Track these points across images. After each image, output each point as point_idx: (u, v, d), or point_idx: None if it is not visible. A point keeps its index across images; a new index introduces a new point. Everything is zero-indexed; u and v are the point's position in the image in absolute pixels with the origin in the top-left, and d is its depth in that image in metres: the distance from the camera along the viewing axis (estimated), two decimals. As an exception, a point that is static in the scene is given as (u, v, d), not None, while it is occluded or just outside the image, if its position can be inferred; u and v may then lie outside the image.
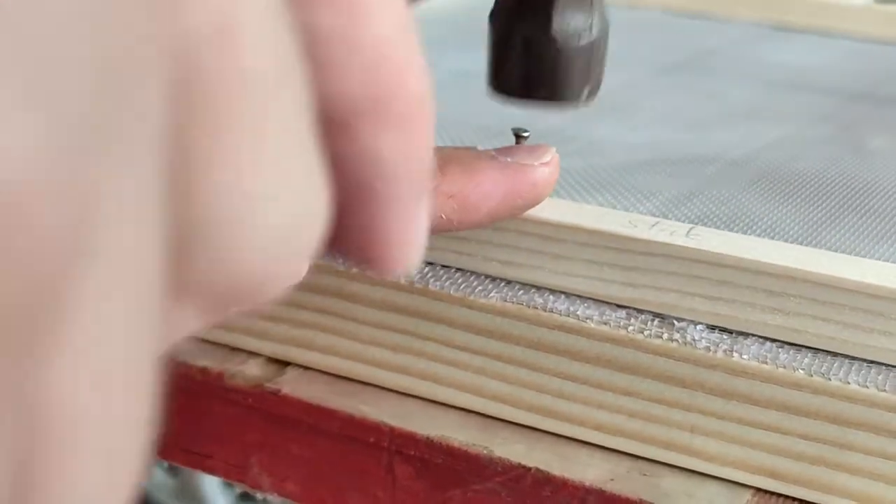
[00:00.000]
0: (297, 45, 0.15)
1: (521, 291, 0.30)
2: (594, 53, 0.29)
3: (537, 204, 0.29)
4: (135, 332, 0.12)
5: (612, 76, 0.53)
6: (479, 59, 0.56)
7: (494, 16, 0.29)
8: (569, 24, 0.28)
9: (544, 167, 0.30)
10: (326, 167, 0.16)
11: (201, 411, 0.33)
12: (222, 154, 0.13)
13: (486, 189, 0.29)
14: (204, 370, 0.33)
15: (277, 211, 0.14)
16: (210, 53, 0.13)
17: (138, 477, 0.14)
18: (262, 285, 0.15)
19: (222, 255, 0.14)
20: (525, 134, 0.31)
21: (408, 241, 0.18)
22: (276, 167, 0.14)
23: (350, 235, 0.18)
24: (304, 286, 0.32)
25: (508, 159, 0.29)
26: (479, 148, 0.40)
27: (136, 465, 0.14)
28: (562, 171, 0.38)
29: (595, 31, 0.28)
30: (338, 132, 0.17)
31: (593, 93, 0.29)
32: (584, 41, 0.28)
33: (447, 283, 0.31)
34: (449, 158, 0.29)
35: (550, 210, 0.30)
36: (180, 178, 0.13)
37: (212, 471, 0.33)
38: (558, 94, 0.29)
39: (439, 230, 0.28)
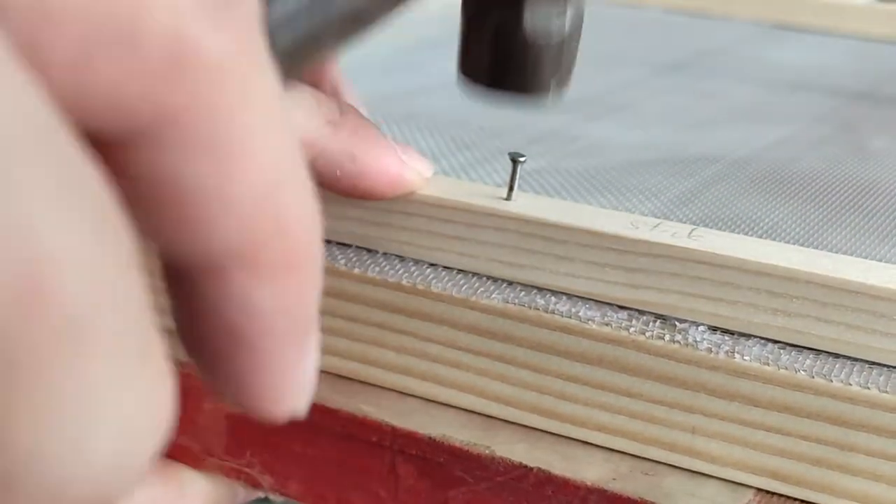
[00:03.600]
0: (126, 243, 0.13)
1: (523, 293, 0.30)
2: (566, 48, 0.28)
3: (391, 197, 0.31)
4: None
5: (613, 76, 0.53)
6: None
7: (466, 1, 0.28)
8: (541, 17, 0.27)
9: (416, 173, 0.31)
10: (190, 314, 0.15)
11: (202, 411, 0.33)
12: (31, 411, 0.12)
13: (386, 166, 0.30)
14: (206, 370, 0.33)
15: (105, 441, 0.13)
16: (13, 318, 0.11)
17: None
18: (100, 497, 0.13)
19: (47, 490, 0.12)
20: (521, 159, 0.31)
21: (287, 389, 0.16)
22: (99, 401, 0.13)
23: (228, 381, 0.16)
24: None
25: (403, 156, 0.31)
26: (477, 150, 0.40)
27: None
28: (563, 172, 0.38)
29: (568, 25, 0.28)
30: (212, 280, 0.15)
31: (561, 87, 0.28)
32: (555, 37, 0.28)
33: (449, 284, 0.31)
34: (362, 123, 0.30)
35: (552, 211, 0.30)
36: None
37: (213, 471, 0.33)
38: (526, 86, 0.28)
39: (325, 185, 0.30)
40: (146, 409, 0.13)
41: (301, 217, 0.15)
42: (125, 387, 0.13)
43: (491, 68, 0.28)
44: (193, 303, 0.15)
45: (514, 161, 0.31)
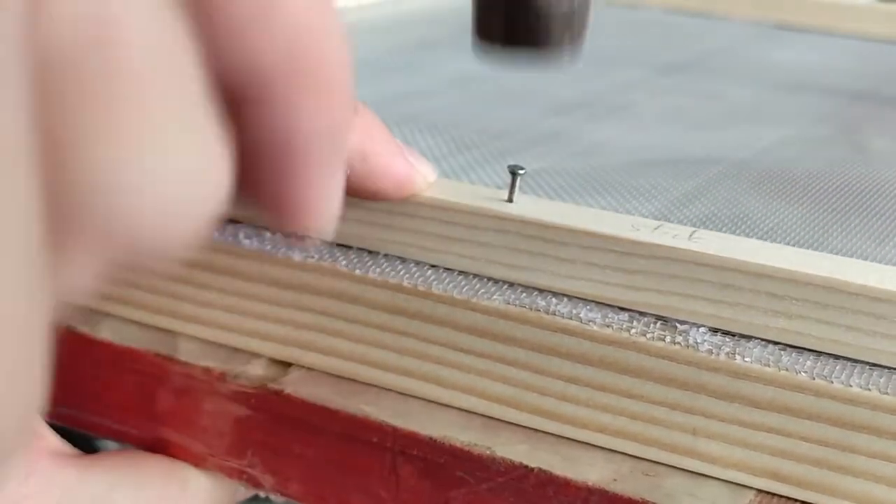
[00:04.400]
0: (183, 25, 0.16)
1: (524, 294, 0.30)
2: (578, 11, 0.28)
3: (396, 199, 0.31)
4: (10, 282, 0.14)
5: (613, 77, 0.53)
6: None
7: None
8: None
9: (422, 176, 0.31)
10: (233, 133, 0.18)
11: (204, 412, 0.33)
12: (105, 133, 0.15)
13: (394, 168, 0.31)
14: (207, 370, 0.33)
15: (169, 180, 0.16)
16: (84, 43, 0.15)
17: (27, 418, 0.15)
18: (159, 241, 0.16)
19: (115, 215, 0.15)
20: (521, 171, 0.31)
21: (322, 204, 0.19)
22: (165, 142, 0.15)
23: (266, 194, 0.19)
24: (307, 288, 0.32)
25: (410, 158, 0.31)
26: (478, 151, 0.40)
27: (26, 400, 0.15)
28: (564, 173, 0.38)
29: None
30: (256, 101, 0.18)
31: (576, 48, 0.29)
32: (565, 6, 0.28)
33: (450, 285, 0.31)
34: (374, 123, 0.31)
35: (553, 213, 0.30)
36: (59, 151, 0.15)
37: (213, 470, 0.33)
38: (541, 43, 0.29)
39: None
40: (204, 158, 0.16)
41: (335, 42, 0.18)
42: (183, 132, 0.16)
43: (506, 30, 0.29)
44: (245, 132, 0.18)
45: (514, 174, 0.31)
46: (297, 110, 0.18)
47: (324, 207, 0.19)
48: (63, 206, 0.15)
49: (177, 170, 0.16)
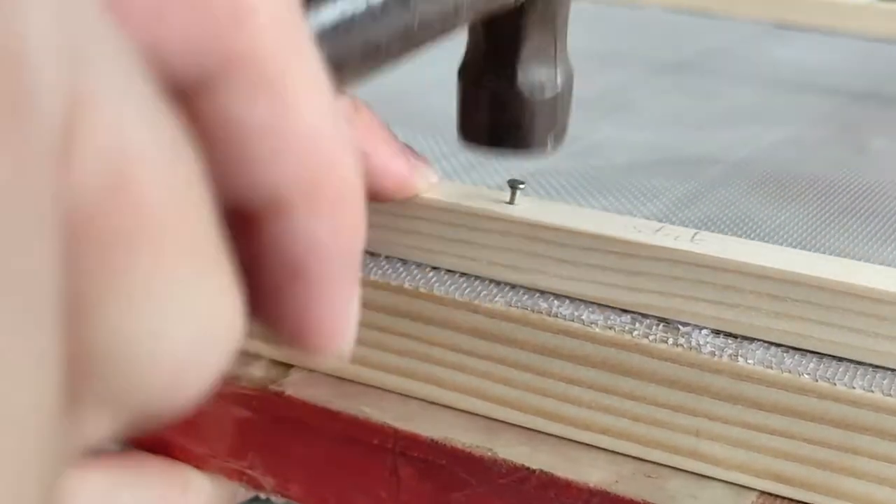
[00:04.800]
0: (194, 153, 0.15)
1: (526, 296, 0.30)
2: (559, 104, 0.30)
3: (397, 199, 0.31)
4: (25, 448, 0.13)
5: (613, 76, 0.53)
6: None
7: (462, 70, 0.31)
8: (534, 77, 0.30)
9: (423, 177, 0.31)
10: (251, 258, 0.17)
11: (205, 412, 0.33)
12: (119, 295, 0.14)
13: (395, 168, 0.31)
14: (208, 372, 0.33)
15: (182, 336, 0.15)
16: (103, 202, 0.13)
17: None
18: (174, 397, 0.15)
19: (128, 375, 0.14)
20: (521, 186, 0.31)
21: (340, 323, 0.18)
22: (178, 297, 0.14)
23: (283, 317, 0.18)
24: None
25: (411, 159, 0.31)
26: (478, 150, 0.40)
27: None
28: (564, 173, 0.38)
29: (559, 82, 0.30)
30: (270, 218, 0.17)
31: (559, 140, 0.31)
32: (548, 94, 0.30)
33: (452, 287, 0.31)
34: (375, 122, 0.31)
35: (555, 215, 0.30)
36: (79, 315, 0.14)
37: (215, 472, 0.33)
38: (524, 143, 0.31)
39: None
40: (220, 309, 0.15)
41: (347, 159, 0.17)
42: (201, 285, 0.15)
43: (490, 129, 0.30)
44: (257, 246, 0.17)
45: (514, 188, 0.31)
46: (316, 222, 0.17)
47: (342, 328, 0.18)
48: (78, 366, 0.14)
49: (192, 326, 0.15)
